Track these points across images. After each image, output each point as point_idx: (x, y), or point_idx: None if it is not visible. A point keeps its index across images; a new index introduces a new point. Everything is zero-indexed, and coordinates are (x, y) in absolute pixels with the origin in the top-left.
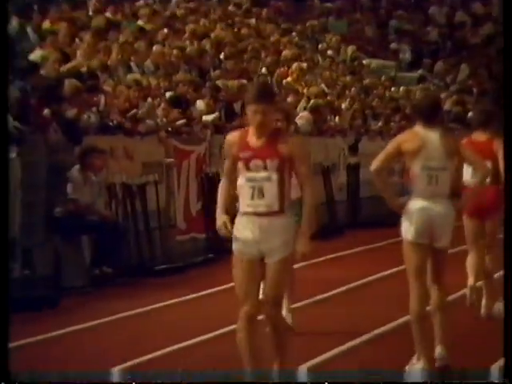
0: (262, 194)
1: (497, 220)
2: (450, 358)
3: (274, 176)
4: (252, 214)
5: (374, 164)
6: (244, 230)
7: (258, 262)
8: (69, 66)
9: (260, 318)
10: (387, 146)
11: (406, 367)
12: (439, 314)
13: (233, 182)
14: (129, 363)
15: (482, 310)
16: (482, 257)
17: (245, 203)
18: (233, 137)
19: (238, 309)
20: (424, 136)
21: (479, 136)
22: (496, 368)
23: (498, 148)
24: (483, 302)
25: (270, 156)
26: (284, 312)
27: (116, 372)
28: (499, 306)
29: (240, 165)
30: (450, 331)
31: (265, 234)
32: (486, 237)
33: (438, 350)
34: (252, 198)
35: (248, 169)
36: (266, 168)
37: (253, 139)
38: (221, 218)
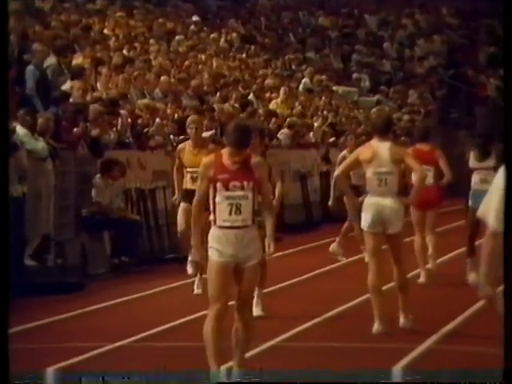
0: (239, 210)
1: (435, 212)
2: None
3: (250, 195)
4: (229, 228)
5: (337, 171)
6: (221, 242)
7: (231, 268)
8: (94, 94)
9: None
10: (349, 157)
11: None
12: (400, 290)
13: (204, 201)
14: (143, 334)
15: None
16: (424, 238)
17: (222, 218)
18: (209, 160)
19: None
20: (376, 147)
21: (422, 146)
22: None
23: (439, 156)
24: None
25: (247, 178)
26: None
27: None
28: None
29: (219, 185)
30: (409, 304)
31: (241, 244)
32: (427, 223)
33: (401, 320)
34: (230, 213)
35: (227, 189)
36: (243, 188)
37: (228, 163)
38: (197, 255)
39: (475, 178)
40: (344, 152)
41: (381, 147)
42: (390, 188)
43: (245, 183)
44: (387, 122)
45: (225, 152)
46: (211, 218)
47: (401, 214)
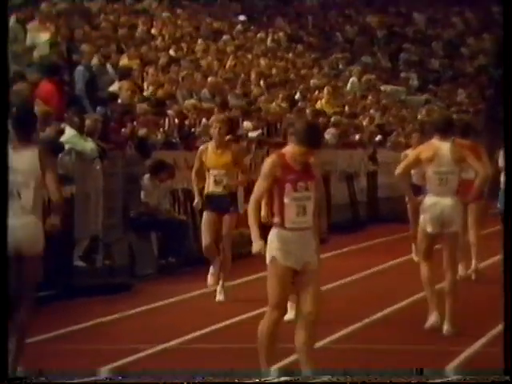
0: (304, 211)
1: (478, 207)
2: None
3: (312, 195)
4: (297, 230)
5: (398, 169)
6: (287, 243)
7: (292, 272)
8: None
9: None
10: (409, 155)
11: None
12: (449, 296)
13: (262, 200)
14: (191, 335)
15: None
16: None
17: (290, 220)
18: (274, 159)
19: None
20: (437, 146)
21: (462, 142)
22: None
23: (482, 152)
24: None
25: (310, 178)
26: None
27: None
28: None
29: (288, 186)
30: (457, 312)
31: (306, 246)
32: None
33: (446, 327)
34: (297, 215)
35: (295, 190)
36: (307, 189)
37: (293, 162)
38: (258, 244)
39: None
40: (408, 151)
41: (442, 146)
42: (450, 187)
43: (309, 183)
44: (449, 121)
45: (288, 151)
46: (275, 219)
47: (461, 212)
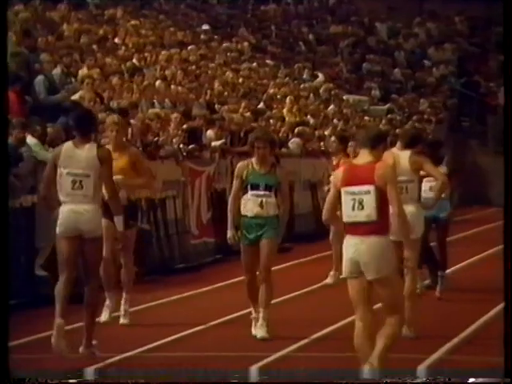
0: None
1: None
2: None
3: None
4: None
5: None
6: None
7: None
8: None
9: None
10: None
11: None
12: (409, 299)
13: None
14: (156, 343)
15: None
16: None
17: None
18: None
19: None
20: (397, 156)
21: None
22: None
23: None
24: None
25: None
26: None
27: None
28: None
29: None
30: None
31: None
32: None
33: (403, 330)
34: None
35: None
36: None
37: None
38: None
39: None
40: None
41: (401, 155)
42: (411, 195)
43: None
44: (415, 135)
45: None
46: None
47: (422, 220)
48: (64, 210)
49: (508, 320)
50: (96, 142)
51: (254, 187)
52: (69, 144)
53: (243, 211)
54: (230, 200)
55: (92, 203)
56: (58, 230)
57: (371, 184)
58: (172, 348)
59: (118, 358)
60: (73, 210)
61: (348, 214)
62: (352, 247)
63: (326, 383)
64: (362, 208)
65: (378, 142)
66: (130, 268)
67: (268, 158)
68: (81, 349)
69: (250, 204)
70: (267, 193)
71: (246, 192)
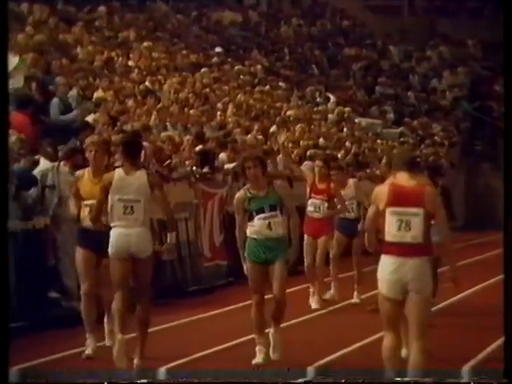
0: None
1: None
2: None
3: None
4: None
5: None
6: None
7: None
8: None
9: None
10: None
11: None
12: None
13: None
14: (171, 364)
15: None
16: None
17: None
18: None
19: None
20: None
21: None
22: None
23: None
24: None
25: None
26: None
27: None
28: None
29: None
30: None
31: None
32: None
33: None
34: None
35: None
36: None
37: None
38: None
39: None
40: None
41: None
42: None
43: None
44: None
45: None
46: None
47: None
48: (115, 233)
49: (508, 320)
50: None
51: (259, 211)
52: (119, 171)
53: (250, 234)
54: (237, 234)
55: (142, 226)
56: (110, 251)
57: (420, 207)
58: (182, 370)
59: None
60: (124, 234)
61: (393, 233)
62: (396, 267)
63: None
64: (409, 229)
65: (417, 165)
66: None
67: (261, 178)
68: (135, 361)
69: (257, 227)
70: (273, 213)
71: (251, 219)
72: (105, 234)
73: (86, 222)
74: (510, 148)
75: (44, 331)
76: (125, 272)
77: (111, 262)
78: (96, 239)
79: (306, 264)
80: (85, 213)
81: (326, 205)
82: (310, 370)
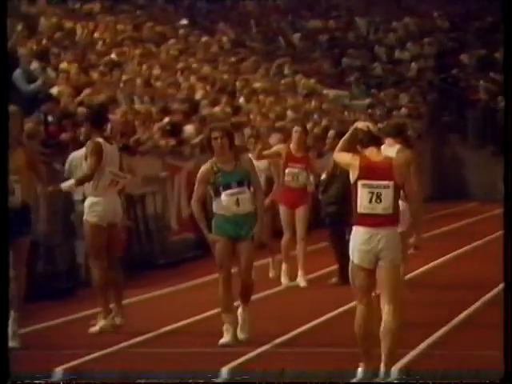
0: None
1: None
2: None
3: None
4: None
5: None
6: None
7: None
8: (81, 98)
9: None
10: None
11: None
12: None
13: None
14: (134, 340)
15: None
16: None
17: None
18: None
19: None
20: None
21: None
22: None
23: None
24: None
25: None
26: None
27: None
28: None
29: None
30: None
31: None
32: None
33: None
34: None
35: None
36: None
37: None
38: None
39: None
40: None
41: (389, 152)
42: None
43: None
44: (400, 124)
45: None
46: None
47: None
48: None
49: (508, 320)
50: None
51: (226, 187)
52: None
53: (217, 210)
54: (193, 207)
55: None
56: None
57: (390, 180)
58: (152, 344)
59: (102, 353)
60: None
61: (365, 205)
62: (368, 237)
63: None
64: (380, 201)
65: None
66: (21, 282)
67: (228, 150)
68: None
69: (225, 203)
70: (241, 189)
71: (217, 194)
72: (19, 211)
73: None
74: (509, 142)
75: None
76: (104, 238)
77: (93, 230)
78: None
79: (284, 238)
80: None
81: (305, 174)
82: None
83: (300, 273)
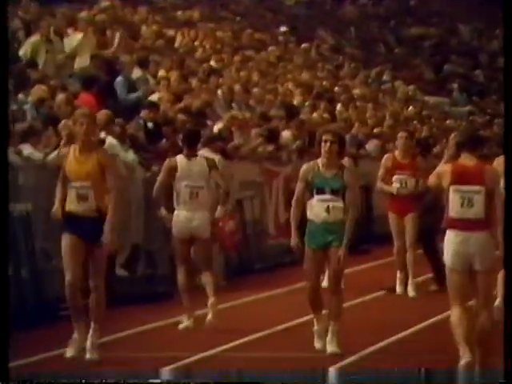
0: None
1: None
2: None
3: None
4: None
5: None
6: None
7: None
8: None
9: None
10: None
11: None
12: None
13: None
14: (239, 341)
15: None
16: None
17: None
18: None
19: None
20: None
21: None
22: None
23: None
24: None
25: None
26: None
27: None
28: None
29: None
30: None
31: None
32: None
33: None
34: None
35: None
36: None
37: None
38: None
39: None
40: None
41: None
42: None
43: None
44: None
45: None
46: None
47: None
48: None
49: (508, 321)
50: None
51: (320, 191)
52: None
53: (309, 215)
54: (292, 205)
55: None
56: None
57: (482, 185)
58: (244, 349)
59: (195, 357)
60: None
61: (456, 210)
62: (459, 240)
63: None
64: (472, 206)
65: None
66: (100, 294)
67: (335, 156)
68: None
69: (316, 209)
70: (334, 197)
71: (311, 196)
72: (96, 219)
73: (73, 206)
74: (509, 145)
75: (113, 308)
76: (186, 251)
77: (174, 241)
78: (82, 225)
79: (396, 246)
80: (71, 195)
81: (413, 180)
82: None
83: (410, 281)
